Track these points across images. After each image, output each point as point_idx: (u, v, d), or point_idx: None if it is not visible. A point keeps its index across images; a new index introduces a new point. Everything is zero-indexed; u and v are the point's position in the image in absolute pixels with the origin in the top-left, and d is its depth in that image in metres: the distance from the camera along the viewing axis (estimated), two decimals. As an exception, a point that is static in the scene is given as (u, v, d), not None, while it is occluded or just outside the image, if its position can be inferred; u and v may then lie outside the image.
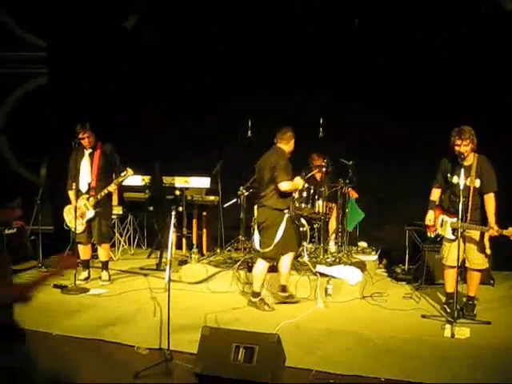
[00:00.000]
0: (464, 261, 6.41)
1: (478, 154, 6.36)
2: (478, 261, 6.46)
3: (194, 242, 9.27)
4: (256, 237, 6.96)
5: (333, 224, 8.95)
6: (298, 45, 9.27)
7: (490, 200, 6.30)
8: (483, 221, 6.35)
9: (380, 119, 8.85)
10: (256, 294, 6.85)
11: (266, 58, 9.38)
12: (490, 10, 8.18)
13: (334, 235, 8.86)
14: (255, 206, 7.24)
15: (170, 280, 5.95)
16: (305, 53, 9.24)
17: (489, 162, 6.38)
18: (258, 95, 9.22)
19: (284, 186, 6.66)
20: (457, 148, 6.22)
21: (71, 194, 7.66)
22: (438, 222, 6.63)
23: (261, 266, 6.87)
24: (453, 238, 6.44)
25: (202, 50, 9.77)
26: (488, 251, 6.45)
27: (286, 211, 6.82)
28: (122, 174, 7.47)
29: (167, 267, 6.00)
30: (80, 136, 7.55)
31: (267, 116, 8.85)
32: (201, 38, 9.70)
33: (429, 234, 6.84)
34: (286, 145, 6.93)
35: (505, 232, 6.05)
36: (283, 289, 6.96)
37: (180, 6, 9.47)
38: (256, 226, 7.08)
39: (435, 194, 6.75)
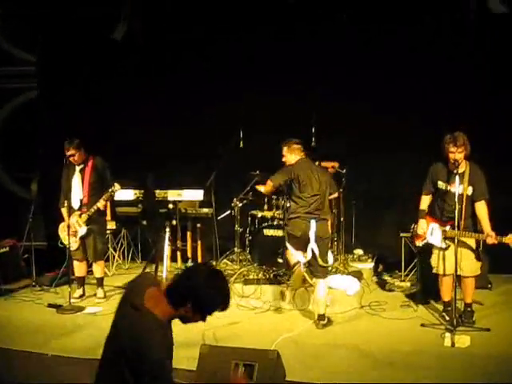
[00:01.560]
0: (456, 269, 6.27)
1: (469, 162, 6.33)
2: (471, 267, 6.43)
3: (189, 254, 9.21)
4: (316, 251, 6.65)
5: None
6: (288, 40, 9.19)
7: (482, 207, 6.29)
8: (475, 228, 6.35)
9: (377, 123, 8.83)
10: (323, 317, 6.68)
11: (257, 60, 9.31)
12: (478, 14, 8.13)
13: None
14: (313, 221, 6.66)
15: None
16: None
17: (480, 169, 6.36)
18: (248, 105, 9.17)
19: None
20: (451, 155, 6.18)
21: (64, 211, 7.57)
22: (428, 231, 6.58)
23: (324, 286, 6.73)
24: (444, 246, 6.40)
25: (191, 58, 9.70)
26: (480, 258, 6.46)
27: None
28: (110, 190, 7.40)
29: (163, 284, 5.94)
30: (67, 153, 7.48)
31: (260, 125, 8.86)
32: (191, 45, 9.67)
33: (417, 244, 6.79)
34: None
35: (505, 239, 6.01)
36: (323, 317, 6.69)
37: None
38: (314, 241, 6.64)
39: (425, 202, 6.70)
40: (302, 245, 6.71)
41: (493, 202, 6.42)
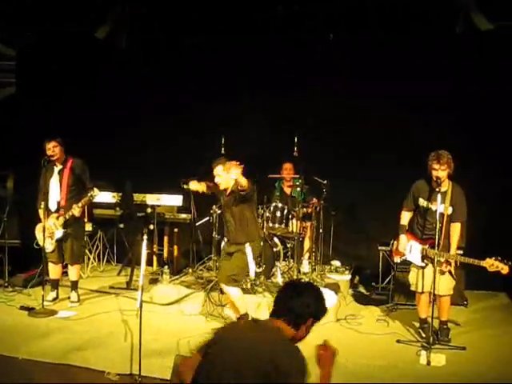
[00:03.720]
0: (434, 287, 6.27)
1: (452, 182, 6.35)
2: (447, 286, 6.44)
3: (165, 259, 9.15)
4: None
5: (307, 243, 8.90)
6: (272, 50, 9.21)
7: (457, 229, 6.34)
8: None
9: (358, 135, 8.86)
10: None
11: (239, 68, 9.34)
12: (465, 30, 8.14)
13: (307, 254, 8.81)
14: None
15: (141, 305, 5.78)
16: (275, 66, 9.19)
17: (462, 190, 6.38)
18: (231, 110, 9.17)
19: None
20: (434, 172, 6.18)
21: (41, 212, 7.46)
22: (407, 248, 6.58)
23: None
24: (422, 264, 6.40)
25: (177, 63, 9.65)
26: (454, 277, 6.49)
27: None
28: (89, 195, 7.24)
29: (139, 292, 5.84)
30: (46, 147, 7.37)
31: (241, 133, 8.83)
32: (173, 51, 9.61)
33: (395, 260, 6.81)
34: None
35: (482, 263, 5.96)
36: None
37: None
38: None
39: (406, 218, 6.69)
40: None
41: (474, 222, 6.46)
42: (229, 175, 6.34)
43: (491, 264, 5.93)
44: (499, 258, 5.88)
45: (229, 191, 6.60)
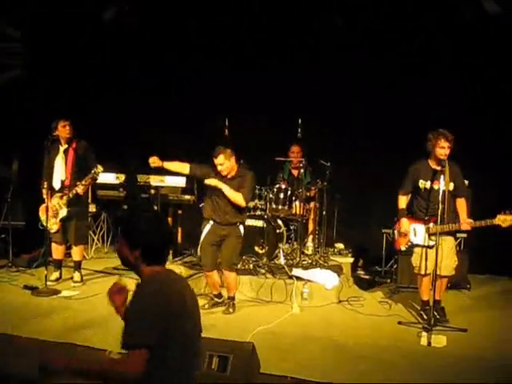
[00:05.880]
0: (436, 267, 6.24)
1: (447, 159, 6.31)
2: (450, 267, 6.45)
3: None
4: None
5: (310, 225, 8.90)
6: (278, 44, 9.18)
7: (463, 204, 6.39)
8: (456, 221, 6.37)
9: (360, 120, 8.83)
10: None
11: (244, 57, 9.32)
12: (473, 15, 8.06)
13: (311, 236, 8.81)
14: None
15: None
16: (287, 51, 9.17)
17: (457, 165, 6.38)
18: (235, 94, 9.15)
19: None
20: (441, 151, 6.15)
21: (44, 192, 7.49)
22: (411, 232, 6.54)
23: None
24: (431, 243, 6.31)
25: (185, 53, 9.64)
26: (458, 257, 6.54)
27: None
28: (92, 172, 7.28)
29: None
30: (61, 125, 7.45)
31: (245, 114, 8.82)
32: (182, 38, 9.58)
33: (401, 248, 6.72)
34: None
35: (495, 221, 6.01)
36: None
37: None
38: None
39: (404, 202, 6.65)
40: None
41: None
42: (230, 164, 6.58)
43: (504, 219, 5.96)
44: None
45: (230, 176, 6.69)
